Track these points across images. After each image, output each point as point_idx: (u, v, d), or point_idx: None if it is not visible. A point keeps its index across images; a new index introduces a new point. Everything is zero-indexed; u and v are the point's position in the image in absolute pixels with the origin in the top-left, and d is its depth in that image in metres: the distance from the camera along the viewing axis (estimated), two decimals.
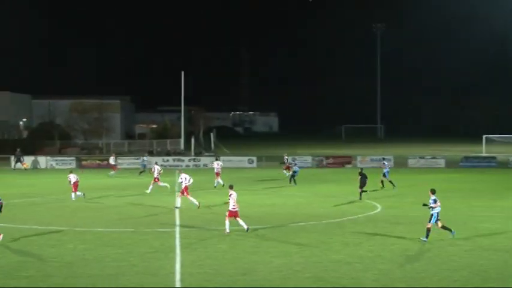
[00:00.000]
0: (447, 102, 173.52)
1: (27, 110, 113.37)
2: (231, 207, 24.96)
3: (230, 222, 24.90)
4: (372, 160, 65.88)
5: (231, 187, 25.71)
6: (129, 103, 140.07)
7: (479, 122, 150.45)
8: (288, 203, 34.90)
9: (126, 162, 65.33)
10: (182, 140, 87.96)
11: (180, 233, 25.21)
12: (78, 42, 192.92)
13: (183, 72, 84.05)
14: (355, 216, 29.72)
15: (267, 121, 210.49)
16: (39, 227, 26.69)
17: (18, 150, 64.37)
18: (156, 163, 47.80)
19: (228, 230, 24.86)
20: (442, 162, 64.91)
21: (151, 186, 39.56)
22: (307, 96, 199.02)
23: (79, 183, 36.57)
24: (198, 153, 77.76)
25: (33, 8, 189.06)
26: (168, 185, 40.03)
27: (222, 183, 42.94)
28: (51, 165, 63.94)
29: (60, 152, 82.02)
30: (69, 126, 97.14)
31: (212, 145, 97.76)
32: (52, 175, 55.51)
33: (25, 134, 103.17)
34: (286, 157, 53.49)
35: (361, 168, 40.75)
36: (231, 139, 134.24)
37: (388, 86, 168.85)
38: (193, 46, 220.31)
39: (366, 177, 37.41)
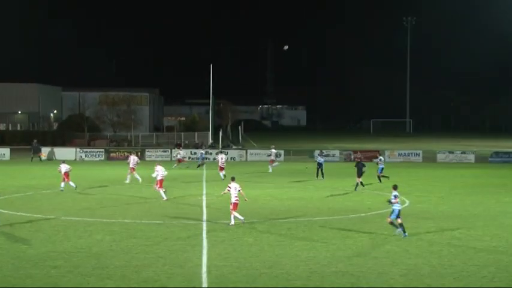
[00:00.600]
0: (477, 96, 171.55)
1: (57, 102, 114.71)
2: (233, 200, 25.16)
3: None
4: (399, 155, 65.49)
5: (233, 179, 26.02)
6: (158, 96, 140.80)
7: (510, 116, 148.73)
8: (314, 197, 34.80)
9: (154, 155, 65.70)
10: (210, 133, 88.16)
11: (207, 225, 25.27)
12: (109, 36, 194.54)
13: (211, 65, 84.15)
14: (382, 211, 29.50)
15: (294, 115, 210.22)
16: (67, 218, 26.95)
17: (35, 141, 65.17)
18: (131, 153, 47.39)
19: (232, 222, 25.10)
20: (471, 158, 64.27)
21: (128, 176, 40.98)
22: (336, 90, 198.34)
23: (70, 174, 36.97)
24: (225, 146, 77.89)
25: (64, 4, 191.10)
26: (140, 179, 40.30)
27: (222, 177, 42.98)
28: (81, 157, 64.46)
29: (89, 144, 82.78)
30: (99, 118, 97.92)
31: (240, 138, 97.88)
32: (80, 167, 55.98)
33: (55, 125, 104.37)
34: (274, 150, 53.25)
35: (360, 158, 42.42)
36: (259, 132, 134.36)
37: (418, 80, 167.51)
38: (222, 39, 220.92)
39: (364, 166, 38.29)
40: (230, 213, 25.34)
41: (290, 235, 23.38)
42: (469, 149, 72.75)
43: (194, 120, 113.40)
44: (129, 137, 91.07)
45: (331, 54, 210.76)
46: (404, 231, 22.98)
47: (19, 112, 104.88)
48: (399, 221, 23.02)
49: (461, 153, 66.06)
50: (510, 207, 31.26)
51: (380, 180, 41.98)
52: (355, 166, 38.63)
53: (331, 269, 18.44)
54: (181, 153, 56.22)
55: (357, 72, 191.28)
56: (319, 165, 45.05)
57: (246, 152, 66.68)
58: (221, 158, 45.01)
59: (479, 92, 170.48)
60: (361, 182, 38.11)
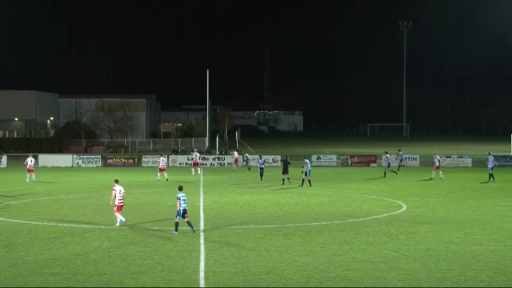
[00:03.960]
0: (475, 99, 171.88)
1: (54, 109, 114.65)
2: (117, 202, 26.04)
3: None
4: (396, 159, 65.42)
5: (116, 181, 26.77)
6: (155, 102, 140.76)
7: (507, 120, 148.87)
8: (311, 202, 34.79)
9: (151, 161, 65.63)
10: (207, 139, 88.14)
11: (204, 231, 25.24)
12: (106, 42, 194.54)
13: (208, 71, 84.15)
14: (380, 216, 29.53)
15: (291, 120, 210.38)
16: (64, 225, 26.91)
17: None
18: (29, 155, 49.67)
19: (118, 224, 26.06)
20: (469, 162, 64.27)
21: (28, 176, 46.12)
22: (333, 94, 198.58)
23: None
24: (222, 152, 77.88)
25: (60, 10, 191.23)
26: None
27: (164, 178, 47.08)
28: (78, 163, 64.38)
29: (86, 151, 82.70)
30: (95, 124, 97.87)
31: (237, 144, 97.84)
32: (77, 173, 56.02)
33: (52, 132, 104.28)
34: (196, 153, 56.54)
35: (286, 156, 48.37)
36: (256, 138, 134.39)
37: (415, 84, 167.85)
38: (219, 45, 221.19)
39: (289, 164, 44.09)
40: (114, 214, 26.28)
41: (288, 240, 23.36)
42: (466, 152, 72.78)
43: (191, 126, 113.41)
44: (126, 144, 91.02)
45: (328, 60, 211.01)
46: (192, 227, 24.39)
47: (16, 119, 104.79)
48: (186, 219, 24.31)
49: (458, 157, 66.05)
50: (508, 211, 31.27)
51: (310, 184, 42.44)
52: (281, 162, 44.71)
53: (329, 274, 18.42)
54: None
55: (354, 77, 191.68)
56: (261, 169, 47.41)
57: (243, 158, 66.58)
58: (162, 160, 48.47)
59: (476, 95, 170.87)
60: (287, 178, 43.30)
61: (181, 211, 24.35)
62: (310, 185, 42.44)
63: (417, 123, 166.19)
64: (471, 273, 18.64)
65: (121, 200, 26.13)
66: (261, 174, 47.29)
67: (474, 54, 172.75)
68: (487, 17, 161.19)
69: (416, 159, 65.35)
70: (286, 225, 26.84)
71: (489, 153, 51.11)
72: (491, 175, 46.31)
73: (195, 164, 54.42)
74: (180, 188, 24.87)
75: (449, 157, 65.87)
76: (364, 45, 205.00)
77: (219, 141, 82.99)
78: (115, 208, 26.28)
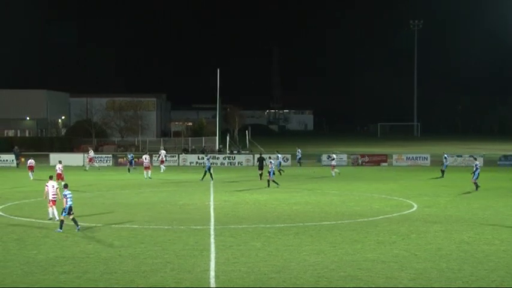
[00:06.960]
0: (485, 98, 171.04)
1: (65, 108, 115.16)
2: (50, 197, 27.04)
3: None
4: (407, 158, 65.36)
5: (50, 178, 27.86)
6: (165, 101, 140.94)
7: None
8: (322, 202, 34.75)
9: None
10: (217, 138, 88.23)
11: (215, 230, 25.26)
12: (117, 41, 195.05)
13: (218, 70, 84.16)
14: (390, 215, 29.46)
15: (302, 119, 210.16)
16: None
17: (16, 147, 66.67)
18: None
19: (50, 216, 27.34)
20: (480, 161, 63.88)
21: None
22: (343, 93, 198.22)
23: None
24: (233, 152, 77.92)
25: (71, 10, 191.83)
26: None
27: (149, 176, 48.45)
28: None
29: (97, 150, 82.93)
30: (106, 123, 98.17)
31: (247, 143, 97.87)
32: (88, 172, 56.20)
33: (63, 131, 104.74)
34: (163, 151, 59.15)
35: (260, 153, 50.98)
36: (266, 137, 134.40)
37: (425, 83, 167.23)
38: (229, 44, 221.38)
39: (263, 160, 46.37)
40: (52, 208, 27.27)
41: (298, 239, 23.34)
42: (478, 152, 72.48)
43: (201, 125, 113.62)
44: (136, 143, 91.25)
45: (338, 58, 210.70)
46: (77, 225, 24.92)
47: (27, 118, 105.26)
48: (71, 217, 24.80)
49: (470, 156, 65.78)
50: None
51: (268, 185, 42.03)
52: (257, 160, 47.08)
53: (339, 274, 18.39)
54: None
55: (365, 76, 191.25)
56: (208, 168, 47.33)
57: (253, 157, 66.65)
58: (145, 158, 50.19)
59: (486, 95, 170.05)
60: (260, 174, 45.15)
61: (67, 208, 24.81)
62: (275, 185, 41.65)
63: (427, 122, 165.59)
64: (482, 273, 18.55)
65: (54, 195, 27.03)
66: (205, 174, 46.77)
67: (484, 54, 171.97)
68: (500, 15, 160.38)
69: (427, 159, 65.20)
70: (297, 224, 26.83)
71: (444, 152, 56.00)
72: (443, 172, 49.91)
73: (161, 162, 57.14)
74: (66, 186, 25.63)
75: (461, 156, 65.64)
76: (373, 44, 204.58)
77: (229, 141, 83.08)
78: (50, 203, 27.22)
